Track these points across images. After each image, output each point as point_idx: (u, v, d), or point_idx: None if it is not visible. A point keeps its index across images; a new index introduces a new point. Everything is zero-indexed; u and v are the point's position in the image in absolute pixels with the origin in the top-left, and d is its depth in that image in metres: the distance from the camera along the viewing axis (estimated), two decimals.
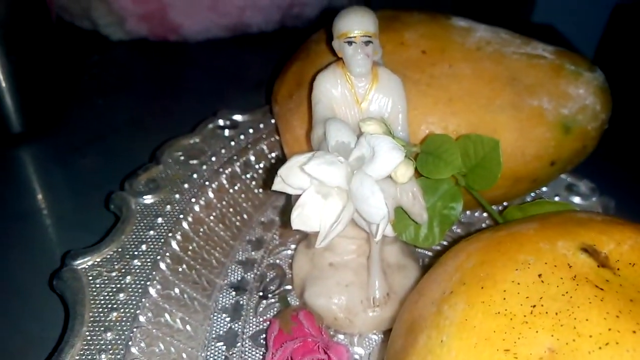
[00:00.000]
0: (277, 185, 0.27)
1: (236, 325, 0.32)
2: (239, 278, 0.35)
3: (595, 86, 0.34)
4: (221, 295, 0.34)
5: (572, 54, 0.36)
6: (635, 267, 0.21)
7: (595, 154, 0.37)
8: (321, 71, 0.30)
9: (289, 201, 0.36)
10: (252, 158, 0.41)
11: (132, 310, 0.29)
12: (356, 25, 0.28)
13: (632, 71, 0.72)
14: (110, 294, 0.30)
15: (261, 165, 0.42)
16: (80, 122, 0.49)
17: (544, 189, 0.40)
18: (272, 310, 0.33)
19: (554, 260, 0.21)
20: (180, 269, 0.33)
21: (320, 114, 0.30)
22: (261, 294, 0.34)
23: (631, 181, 0.44)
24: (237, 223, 0.38)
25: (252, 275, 0.35)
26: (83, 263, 0.31)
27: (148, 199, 0.36)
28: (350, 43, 0.28)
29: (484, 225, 0.40)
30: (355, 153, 0.26)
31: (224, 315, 0.32)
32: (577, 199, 0.39)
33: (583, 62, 0.35)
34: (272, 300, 0.34)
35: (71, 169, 0.44)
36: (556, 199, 0.40)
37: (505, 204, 0.39)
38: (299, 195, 0.26)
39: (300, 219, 0.26)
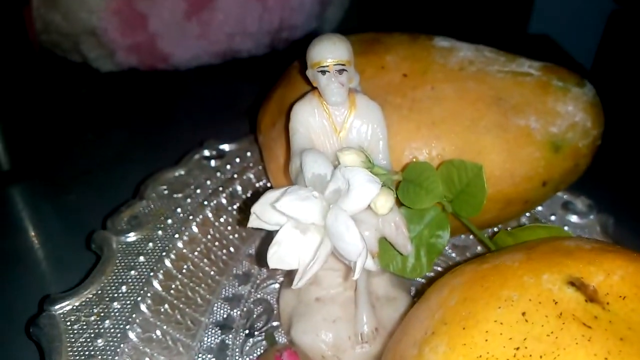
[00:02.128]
0: (253, 222, 0.26)
1: None
2: (225, 315, 0.34)
3: (585, 102, 0.33)
4: (206, 335, 0.32)
5: (560, 69, 0.35)
6: (626, 300, 0.20)
7: (593, 169, 0.36)
8: (298, 101, 0.30)
9: (266, 239, 0.34)
10: (239, 188, 0.40)
11: (111, 357, 0.28)
12: (329, 53, 0.27)
13: (631, 78, 0.70)
14: (88, 340, 0.29)
15: (249, 195, 0.41)
16: (69, 158, 0.49)
17: (539, 208, 0.39)
18: (259, 349, 0.32)
19: (538, 296, 0.20)
20: (162, 310, 0.32)
21: (298, 144, 0.29)
22: (247, 331, 0.33)
23: (630, 197, 0.43)
24: (224, 257, 0.37)
25: (239, 312, 0.34)
26: (61, 308, 0.30)
27: (130, 237, 0.35)
28: (323, 72, 0.27)
29: (479, 248, 0.38)
30: (332, 186, 0.25)
31: (209, 356, 0.31)
32: (574, 218, 0.38)
33: (571, 78, 0.34)
34: (260, 338, 0.32)
35: (57, 207, 0.43)
36: (552, 218, 0.38)
37: (500, 226, 0.38)
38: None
39: (277, 257, 0.25)
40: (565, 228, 0.37)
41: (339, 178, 0.25)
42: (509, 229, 0.38)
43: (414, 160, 0.32)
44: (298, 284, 0.24)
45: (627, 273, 0.21)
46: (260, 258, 0.36)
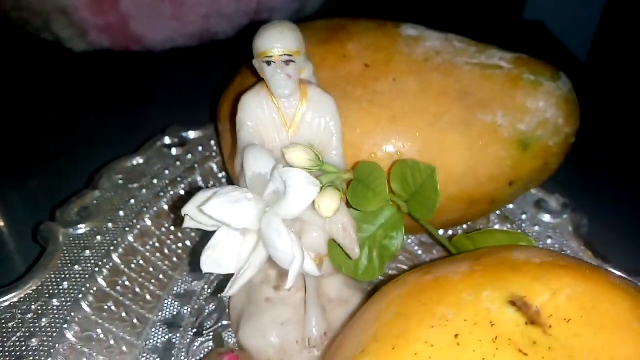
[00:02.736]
0: (188, 222, 0.24)
1: None
2: (175, 313, 0.32)
3: (558, 97, 0.31)
4: (153, 333, 0.31)
5: (533, 61, 0.33)
6: (571, 323, 0.18)
7: (571, 165, 0.34)
8: (246, 92, 0.28)
9: (203, 239, 0.33)
10: (199, 179, 0.39)
11: (44, 358, 0.27)
12: (275, 43, 0.25)
13: (628, 70, 0.68)
14: (22, 339, 0.28)
15: (210, 185, 0.39)
16: (32, 142, 0.47)
17: (510, 206, 0.37)
18: (206, 349, 0.30)
19: (475, 316, 0.18)
20: (105, 307, 0.30)
21: (244, 139, 0.27)
22: (196, 330, 0.31)
23: (608, 195, 0.41)
24: (179, 251, 0.35)
25: (189, 310, 0.33)
26: None
27: (79, 230, 0.33)
28: (269, 63, 0.25)
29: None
30: (271, 187, 0.23)
31: (153, 355, 0.30)
32: (546, 217, 0.36)
33: (545, 71, 0.32)
34: (209, 337, 0.31)
35: (13, 193, 0.42)
36: (523, 217, 0.36)
37: (470, 224, 0.36)
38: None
39: (211, 262, 0.24)
40: (536, 228, 0.36)
41: (277, 179, 0.23)
42: (481, 227, 0.37)
43: (373, 156, 0.30)
44: (229, 292, 0.23)
45: (575, 293, 0.19)
46: (194, 261, 0.34)
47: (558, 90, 0.32)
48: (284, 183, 0.22)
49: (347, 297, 0.30)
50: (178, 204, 0.36)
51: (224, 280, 0.34)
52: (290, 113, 0.27)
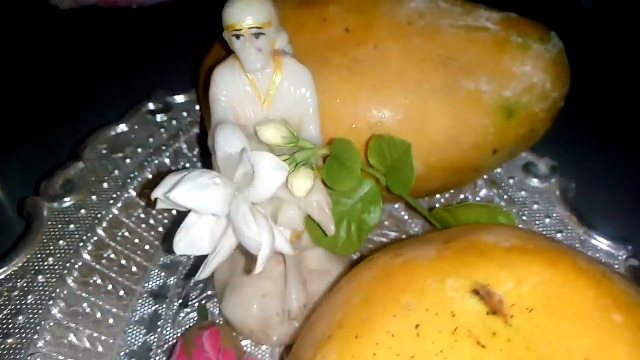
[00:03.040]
0: (161, 204, 0.24)
1: (151, 338, 0.30)
2: (160, 283, 0.33)
3: (547, 60, 0.30)
4: (139, 305, 0.32)
5: (523, 21, 0.31)
6: (533, 313, 0.18)
7: (562, 123, 0.33)
8: (218, 65, 0.27)
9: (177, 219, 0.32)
10: (184, 146, 0.38)
11: (30, 335, 0.28)
12: (243, 15, 0.24)
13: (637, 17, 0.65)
14: (9, 317, 0.28)
15: (195, 152, 0.39)
16: (18, 111, 0.47)
17: (498, 170, 0.36)
18: (191, 321, 0.31)
19: (437, 305, 0.18)
20: (91, 281, 0.31)
21: (217, 115, 0.27)
22: (181, 301, 0.32)
23: (599, 157, 0.40)
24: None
25: (175, 280, 0.33)
26: None
27: (63, 203, 0.34)
28: (238, 37, 0.24)
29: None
30: (240, 169, 0.23)
31: (140, 327, 0.31)
32: (534, 181, 0.36)
33: (534, 32, 0.31)
34: (194, 308, 0.32)
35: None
36: (510, 181, 0.36)
37: (452, 191, 0.36)
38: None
39: (185, 243, 0.24)
40: (522, 193, 0.35)
41: (245, 162, 0.22)
42: (467, 194, 0.36)
43: (353, 126, 0.29)
44: (201, 276, 0.23)
45: (541, 281, 0.19)
46: (168, 241, 0.33)
47: (547, 53, 0.30)
48: (251, 167, 0.22)
49: (328, 268, 0.30)
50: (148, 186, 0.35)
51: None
52: (264, 86, 0.26)
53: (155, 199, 0.23)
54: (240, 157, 0.23)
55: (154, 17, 0.58)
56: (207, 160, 0.26)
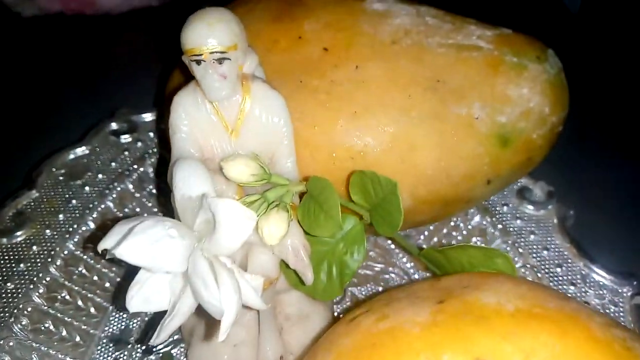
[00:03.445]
0: (111, 255, 0.21)
1: None
2: (122, 327, 0.30)
3: (544, 82, 0.27)
4: (98, 352, 0.28)
5: (517, 38, 0.28)
6: None
7: (559, 146, 0.30)
8: (179, 91, 0.24)
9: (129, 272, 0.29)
10: (150, 170, 0.35)
11: None
12: (203, 38, 0.21)
13: (625, 19, 0.63)
14: None
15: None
16: None
17: (492, 197, 0.34)
18: None
19: None
20: (43, 328, 0.28)
21: (179, 148, 0.24)
22: (144, 347, 0.29)
23: (597, 178, 0.37)
24: None
25: (139, 323, 0.30)
26: None
27: (13, 239, 0.30)
28: (199, 62, 0.21)
29: (421, 238, 0.33)
30: (202, 216, 0.20)
31: None
32: (529, 208, 0.33)
33: (530, 50, 0.28)
34: (158, 354, 0.29)
35: None
36: (505, 209, 0.33)
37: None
38: None
39: (139, 299, 0.21)
40: (518, 222, 0.33)
41: (206, 210, 0.19)
42: (458, 224, 0.34)
43: (334, 155, 0.27)
44: (156, 341, 0.20)
45: (552, 356, 0.16)
46: (120, 298, 0.30)
47: (544, 74, 0.28)
48: (213, 216, 0.19)
49: (307, 313, 0.27)
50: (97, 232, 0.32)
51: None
52: (231, 115, 0.24)
53: (105, 250, 0.20)
54: (200, 202, 0.20)
55: (121, 25, 0.54)
56: (167, 196, 0.23)
